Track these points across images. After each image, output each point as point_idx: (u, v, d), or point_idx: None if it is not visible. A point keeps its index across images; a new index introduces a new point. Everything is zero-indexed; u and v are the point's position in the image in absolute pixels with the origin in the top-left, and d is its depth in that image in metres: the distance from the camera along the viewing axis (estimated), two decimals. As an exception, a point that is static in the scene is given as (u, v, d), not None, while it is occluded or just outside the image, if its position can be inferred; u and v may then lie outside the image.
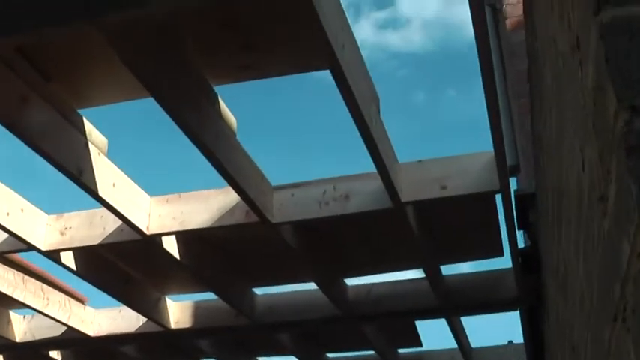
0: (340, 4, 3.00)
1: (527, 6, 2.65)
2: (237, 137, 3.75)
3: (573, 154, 1.52)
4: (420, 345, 7.05)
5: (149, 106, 3.27)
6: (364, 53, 3.35)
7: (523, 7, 2.85)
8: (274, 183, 4.24)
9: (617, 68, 0.95)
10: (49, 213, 4.67)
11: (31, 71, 3.42)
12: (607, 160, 1.05)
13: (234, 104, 3.63)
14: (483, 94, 3.18)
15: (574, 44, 1.27)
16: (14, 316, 6.42)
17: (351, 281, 5.65)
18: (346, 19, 3.08)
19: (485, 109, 3.26)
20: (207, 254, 5.05)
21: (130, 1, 2.66)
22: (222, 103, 3.56)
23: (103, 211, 4.27)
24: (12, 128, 3.29)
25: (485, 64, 3.02)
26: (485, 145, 3.59)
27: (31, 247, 4.56)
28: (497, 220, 4.58)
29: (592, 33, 1.03)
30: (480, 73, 3.09)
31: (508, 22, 5.08)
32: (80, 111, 3.71)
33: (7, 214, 4.24)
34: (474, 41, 2.91)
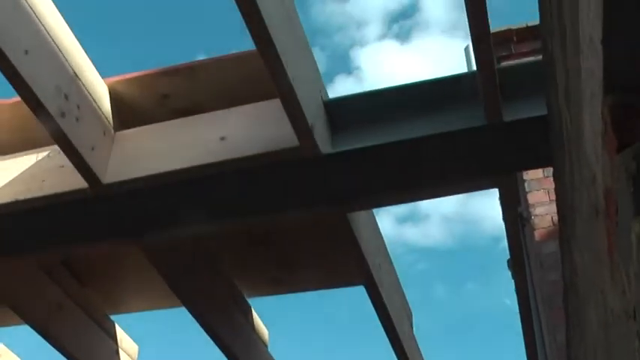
0: (377, 225, 3.04)
1: (564, 233, 2.66)
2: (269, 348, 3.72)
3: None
4: None
5: (181, 311, 3.28)
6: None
7: (560, 233, 2.87)
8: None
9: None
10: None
11: (67, 278, 3.46)
12: None
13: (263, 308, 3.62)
14: (506, 289, 3.18)
15: (630, 313, 1.25)
16: None
17: None
18: (382, 238, 3.11)
19: (514, 305, 3.25)
20: None
21: (166, 224, 2.73)
22: (255, 315, 3.56)
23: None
24: (46, 336, 3.30)
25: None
26: (508, 339, 3.54)
27: None
28: None
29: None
30: (504, 271, 3.11)
31: (537, 233, 5.13)
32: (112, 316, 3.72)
33: (30, 417, 4.17)
34: (508, 252, 2.94)
